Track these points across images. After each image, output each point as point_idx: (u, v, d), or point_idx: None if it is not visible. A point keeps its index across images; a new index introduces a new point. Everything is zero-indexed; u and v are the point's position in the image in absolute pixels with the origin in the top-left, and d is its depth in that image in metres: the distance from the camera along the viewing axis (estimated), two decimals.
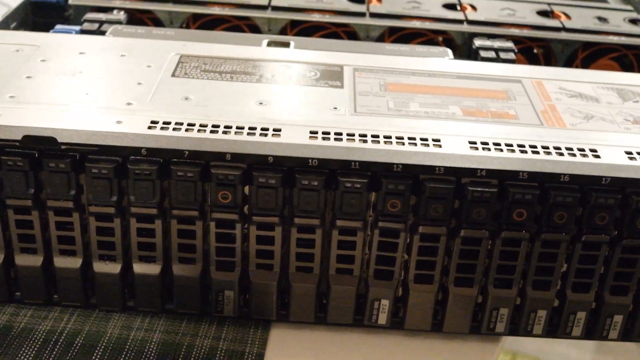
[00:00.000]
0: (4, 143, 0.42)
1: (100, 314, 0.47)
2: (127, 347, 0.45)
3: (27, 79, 0.48)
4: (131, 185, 0.42)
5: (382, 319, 0.46)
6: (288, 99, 0.47)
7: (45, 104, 0.45)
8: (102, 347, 0.45)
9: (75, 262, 0.45)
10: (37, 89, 0.47)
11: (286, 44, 0.56)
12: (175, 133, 0.42)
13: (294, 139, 0.42)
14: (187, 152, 0.42)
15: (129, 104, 0.45)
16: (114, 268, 0.45)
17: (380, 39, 0.64)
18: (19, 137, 0.42)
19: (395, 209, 0.42)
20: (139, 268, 0.45)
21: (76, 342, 0.45)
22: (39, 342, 0.45)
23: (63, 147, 0.42)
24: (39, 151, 0.42)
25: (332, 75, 0.50)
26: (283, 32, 0.63)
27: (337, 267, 0.44)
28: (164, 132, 0.42)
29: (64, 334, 0.45)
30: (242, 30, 0.63)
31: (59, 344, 0.45)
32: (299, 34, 0.63)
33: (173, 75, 0.49)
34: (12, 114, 0.44)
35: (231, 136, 0.42)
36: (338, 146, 0.42)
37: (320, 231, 0.43)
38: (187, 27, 0.64)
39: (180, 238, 0.44)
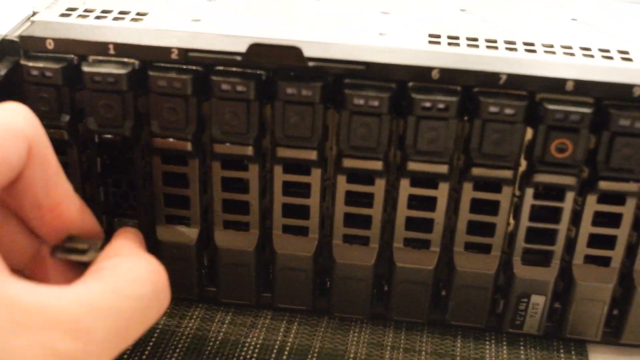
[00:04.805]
0: (213, 57, 0.27)
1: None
2: None
3: None
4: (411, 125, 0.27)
5: None
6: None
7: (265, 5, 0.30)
8: None
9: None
10: None
11: None
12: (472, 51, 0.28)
13: None
14: (504, 76, 0.26)
15: (384, 13, 0.31)
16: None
17: None
18: (243, 49, 0.27)
19: None
20: None
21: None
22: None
23: (310, 63, 0.27)
24: (266, 71, 0.27)
25: None
26: None
27: None
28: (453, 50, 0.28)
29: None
30: None
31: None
32: None
33: None
34: (220, 18, 0.29)
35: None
36: None
37: None
38: None
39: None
